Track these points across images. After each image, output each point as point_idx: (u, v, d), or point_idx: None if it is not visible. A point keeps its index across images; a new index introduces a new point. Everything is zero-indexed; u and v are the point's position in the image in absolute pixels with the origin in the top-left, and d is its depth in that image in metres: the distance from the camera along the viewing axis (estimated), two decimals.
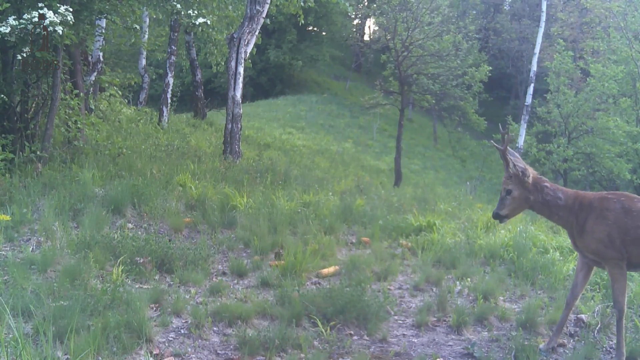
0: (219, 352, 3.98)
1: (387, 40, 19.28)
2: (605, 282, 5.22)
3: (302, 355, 3.93)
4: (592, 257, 4.06)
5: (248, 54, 10.13)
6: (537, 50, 19.64)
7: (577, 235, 4.06)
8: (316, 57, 33.13)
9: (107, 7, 8.00)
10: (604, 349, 4.34)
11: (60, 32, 6.50)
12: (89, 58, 10.60)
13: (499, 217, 4.25)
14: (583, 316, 4.73)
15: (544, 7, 19.94)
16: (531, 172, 4.20)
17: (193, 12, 10.21)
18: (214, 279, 5.15)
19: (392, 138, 24.95)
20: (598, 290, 5.14)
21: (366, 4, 30.97)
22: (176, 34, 14.52)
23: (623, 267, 3.92)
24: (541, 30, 19.65)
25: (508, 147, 4.31)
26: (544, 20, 19.88)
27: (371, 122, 27.76)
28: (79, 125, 8.12)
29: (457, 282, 5.48)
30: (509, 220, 4.44)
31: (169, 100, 14.24)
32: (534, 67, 19.39)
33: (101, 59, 11.35)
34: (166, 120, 13.87)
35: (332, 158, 17.56)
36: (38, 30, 6.48)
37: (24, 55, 6.86)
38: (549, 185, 4.20)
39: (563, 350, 4.29)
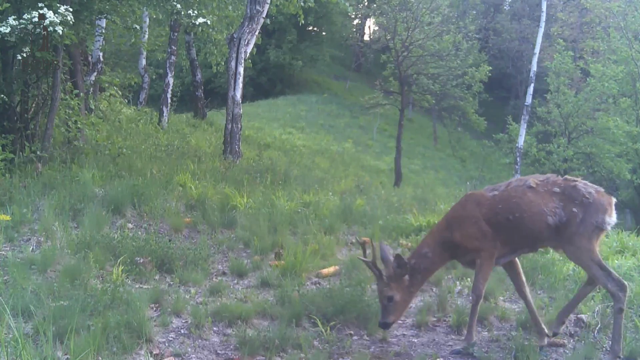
0: (219, 352, 3.98)
1: (387, 40, 19.30)
2: None
3: (302, 355, 3.93)
4: (469, 258, 4.23)
5: (248, 54, 10.13)
6: (537, 50, 19.63)
7: (461, 254, 4.24)
8: (316, 57, 33.12)
9: (107, 7, 8.01)
10: (604, 349, 4.34)
11: (60, 32, 6.50)
12: (89, 58, 10.60)
13: (387, 326, 4.18)
14: (583, 316, 4.72)
15: (544, 7, 19.94)
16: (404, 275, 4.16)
17: (193, 12, 10.20)
18: (214, 279, 5.15)
19: (392, 138, 24.95)
20: (598, 291, 5.13)
21: (366, 4, 30.98)
22: (176, 34, 14.52)
23: (493, 257, 4.14)
24: (541, 30, 19.65)
25: (381, 246, 4.32)
26: (544, 20, 19.87)
27: (371, 122, 27.75)
28: (79, 125, 8.12)
29: (457, 282, 5.47)
30: (396, 322, 4.37)
31: (169, 100, 14.24)
32: (534, 67, 19.39)
33: (101, 59, 11.35)
34: (166, 120, 13.87)
35: (332, 158, 17.56)
36: (38, 30, 6.49)
37: (24, 55, 6.87)
38: (414, 259, 4.23)
39: (563, 350, 4.29)
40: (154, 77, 19.43)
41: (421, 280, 4.28)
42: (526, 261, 5.75)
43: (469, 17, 25.46)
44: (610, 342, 4.35)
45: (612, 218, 4.06)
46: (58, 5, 6.57)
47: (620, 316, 4.03)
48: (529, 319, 4.37)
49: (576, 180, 4.16)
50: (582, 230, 4.00)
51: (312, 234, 6.17)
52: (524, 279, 4.37)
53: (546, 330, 4.27)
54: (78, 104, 8.19)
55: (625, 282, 4.06)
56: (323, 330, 4.24)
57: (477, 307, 4.17)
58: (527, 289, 4.35)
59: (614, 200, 4.13)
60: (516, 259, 4.36)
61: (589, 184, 4.18)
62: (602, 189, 4.14)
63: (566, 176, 4.25)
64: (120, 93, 12.86)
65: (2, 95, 6.89)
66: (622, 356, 4.07)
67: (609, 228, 4.10)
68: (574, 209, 4.01)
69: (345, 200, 7.75)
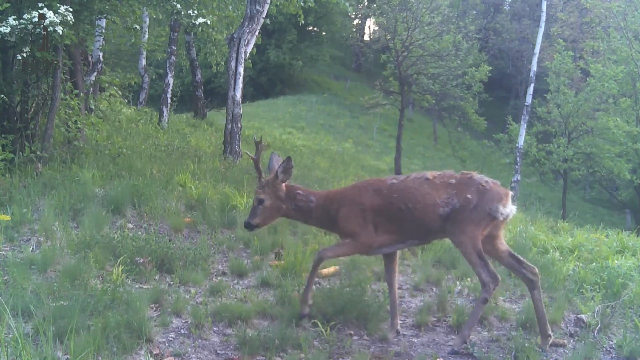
0: (219, 352, 3.98)
1: (387, 40, 19.31)
2: (605, 282, 5.22)
3: (302, 355, 3.93)
4: (344, 236, 4.29)
5: (248, 54, 10.12)
6: (537, 50, 19.63)
7: (333, 228, 4.31)
8: (316, 57, 33.15)
9: (107, 7, 8.01)
10: (604, 349, 4.34)
11: (60, 32, 6.50)
12: (89, 58, 10.60)
13: (250, 226, 4.30)
14: (583, 316, 4.73)
15: (544, 7, 19.94)
16: (285, 181, 4.28)
17: (193, 12, 10.20)
18: (214, 279, 5.15)
19: (392, 138, 24.97)
20: (598, 290, 5.13)
21: (366, 4, 31.00)
22: (176, 34, 14.51)
23: (358, 249, 4.26)
24: (541, 30, 19.65)
25: (272, 156, 4.43)
26: (544, 20, 19.87)
27: (371, 122, 27.76)
28: (79, 125, 8.12)
29: (457, 282, 5.47)
30: (260, 229, 4.53)
31: (169, 100, 14.23)
32: (534, 67, 19.40)
33: (101, 59, 11.35)
34: (166, 120, 13.86)
35: (332, 158, 17.55)
36: (38, 30, 6.48)
37: (24, 55, 6.86)
38: (301, 192, 4.34)
39: (563, 350, 4.29)
40: (154, 77, 19.44)
41: (292, 212, 4.36)
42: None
43: (469, 17, 25.47)
44: (609, 342, 4.35)
45: (507, 209, 4.11)
46: (58, 5, 6.57)
47: (482, 306, 4.15)
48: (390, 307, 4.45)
49: (472, 173, 4.24)
50: (474, 216, 4.05)
51: (312, 234, 6.17)
52: (397, 269, 4.47)
53: (397, 325, 4.39)
54: (78, 104, 8.19)
55: (499, 277, 4.13)
56: (323, 330, 4.23)
57: (316, 270, 4.31)
58: (397, 279, 4.47)
59: (511, 193, 4.22)
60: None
61: (485, 177, 4.25)
62: (498, 182, 4.23)
63: (463, 171, 4.31)
64: (120, 93, 12.86)
65: (2, 95, 6.89)
66: (468, 342, 4.15)
67: (501, 218, 4.12)
68: (469, 195, 4.06)
69: None
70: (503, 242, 4.36)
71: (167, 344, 3.98)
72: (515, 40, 34.00)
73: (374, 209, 4.15)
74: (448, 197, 4.09)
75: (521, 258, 4.31)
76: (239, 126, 9.90)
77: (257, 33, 10.12)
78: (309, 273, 4.36)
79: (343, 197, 4.31)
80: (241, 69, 9.78)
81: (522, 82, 32.72)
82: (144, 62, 16.19)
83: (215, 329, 4.26)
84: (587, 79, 20.28)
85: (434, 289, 5.33)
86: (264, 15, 10.05)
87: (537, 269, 4.29)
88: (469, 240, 4.06)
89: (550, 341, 4.24)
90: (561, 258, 5.97)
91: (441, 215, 4.09)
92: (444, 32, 19.11)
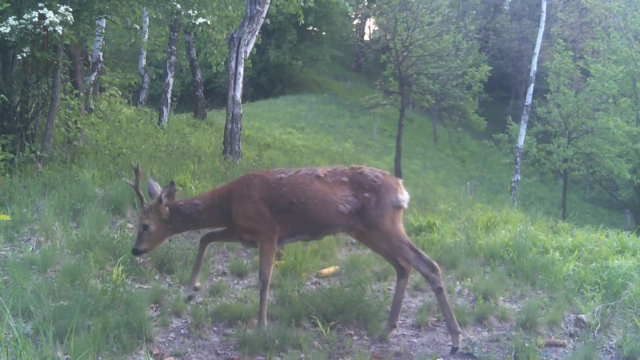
0: (219, 352, 3.98)
1: (387, 40, 19.30)
2: (605, 282, 5.23)
3: (302, 355, 3.93)
4: (248, 238, 4.21)
5: (248, 54, 10.12)
6: (537, 50, 19.63)
7: (229, 225, 4.23)
8: (316, 57, 33.13)
9: (107, 7, 8.00)
10: (604, 349, 4.34)
11: (60, 32, 6.50)
12: (89, 58, 10.60)
13: (137, 252, 4.22)
14: (583, 316, 4.73)
15: (544, 7, 19.94)
16: (169, 205, 4.21)
17: (193, 12, 10.21)
18: (214, 279, 5.15)
19: (392, 138, 24.96)
20: (598, 290, 5.13)
21: (366, 4, 30.96)
22: (176, 34, 14.51)
23: (274, 241, 4.16)
24: (541, 30, 19.65)
25: (149, 182, 4.36)
26: (544, 20, 19.87)
27: (371, 122, 27.75)
28: (79, 125, 8.12)
29: (457, 282, 5.47)
30: (148, 253, 4.44)
31: (169, 100, 14.23)
32: (534, 67, 19.40)
33: (101, 59, 11.35)
34: (166, 120, 13.86)
35: (332, 158, 17.54)
36: (38, 30, 6.48)
37: (24, 55, 6.86)
38: (183, 202, 4.29)
39: (563, 350, 4.29)
40: (154, 77, 19.43)
41: (182, 225, 4.29)
42: (526, 261, 5.76)
43: (469, 17, 25.46)
44: (609, 342, 4.36)
45: (404, 195, 4.19)
46: (58, 5, 6.57)
47: (442, 295, 4.11)
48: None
49: (362, 167, 4.26)
50: (382, 212, 4.07)
51: None
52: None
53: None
54: (78, 104, 8.19)
55: (436, 264, 4.13)
56: (323, 330, 4.23)
57: (266, 294, 4.17)
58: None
59: (400, 180, 4.29)
60: None
61: (375, 169, 4.29)
62: (387, 172, 4.28)
63: (352, 165, 4.33)
64: (120, 93, 12.86)
65: (2, 95, 6.89)
66: (460, 330, 4.14)
67: (405, 206, 4.18)
68: (366, 194, 4.09)
69: None
70: None
71: (167, 344, 3.98)
72: (515, 40, 33.99)
73: (263, 199, 4.11)
74: (346, 196, 4.10)
75: None
76: (239, 126, 9.90)
77: (257, 33, 10.12)
78: (261, 299, 4.20)
79: (231, 191, 4.24)
80: (241, 69, 9.78)
81: (522, 82, 32.71)
82: (144, 62, 16.19)
83: (215, 329, 4.27)
84: (587, 79, 20.27)
85: None
86: (264, 15, 10.05)
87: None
88: (394, 236, 4.08)
89: (392, 332, 4.33)
90: (561, 258, 5.97)
91: (342, 213, 4.09)
92: (444, 32, 19.10)
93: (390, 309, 4.42)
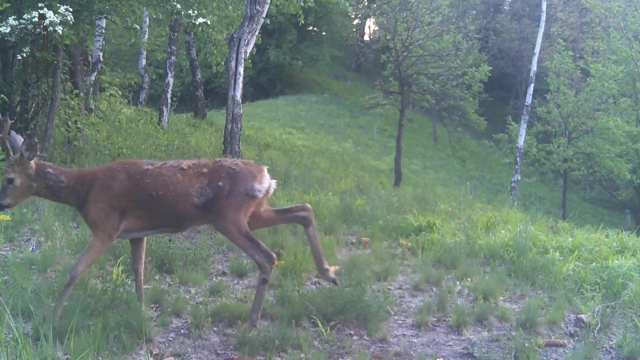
0: (219, 352, 3.98)
1: (387, 40, 19.29)
2: (605, 282, 5.23)
3: (302, 355, 3.93)
4: (89, 226, 4.13)
5: (248, 54, 10.13)
6: (537, 50, 19.64)
7: (80, 208, 4.11)
8: (316, 57, 33.14)
9: (107, 7, 8.01)
10: (604, 349, 4.34)
11: (60, 32, 6.50)
12: (89, 58, 10.61)
13: (1, 207, 4.08)
14: (583, 316, 4.72)
15: (544, 7, 19.94)
16: (31, 158, 4.02)
17: (193, 12, 10.21)
18: (214, 279, 5.15)
19: (392, 138, 24.96)
20: (598, 290, 5.13)
21: (366, 4, 31.00)
22: (176, 34, 14.52)
23: (106, 243, 4.05)
24: (541, 30, 19.65)
25: (11, 134, 4.14)
26: (544, 20, 19.88)
27: (371, 122, 27.77)
28: (79, 125, 8.13)
29: (457, 282, 5.47)
30: (12, 208, 4.31)
31: (169, 100, 14.24)
32: (534, 67, 19.40)
33: (101, 59, 11.36)
34: (166, 120, 13.87)
35: (332, 158, 17.56)
36: (38, 30, 6.49)
37: (24, 55, 6.87)
38: (51, 170, 4.11)
39: (563, 350, 4.29)
40: (154, 77, 19.46)
41: (43, 191, 4.12)
42: (526, 261, 5.76)
43: (469, 17, 25.44)
44: (609, 342, 4.35)
45: (264, 185, 4.12)
46: (58, 5, 6.57)
47: (263, 286, 4.15)
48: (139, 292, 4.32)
49: (223, 160, 4.22)
50: (231, 200, 4.03)
51: None
52: (143, 255, 4.35)
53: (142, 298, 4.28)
54: (78, 104, 8.19)
55: (274, 255, 4.12)
56: (323, 330, 4.23)
57: (69, 290, 3.96)
58: (142, 266, 4.34)
59: (265, 168, 4.21)
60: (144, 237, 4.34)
61: (238, 160, 4.25)
62: (251, 162, 4.22)
63: (217, 159, 4.28)
64: (120, 93, 12.87)
65: (2, 95, 6.90)
66: (258, 325, 4.15)
67: (260, 195, 4.12)
68: (220, 183, 4.04)
69: (345, 200, 7.75)
70: (267, 208, 4.37)
71: (167, 344, 3.98)
72: (515, 40, 33.99)
73: (123, 193, 4.00)
74: (201, 187, 4.04)
75: (287, 207, 4.39)
76: (239, 126, 9.90)
77: (257, 33, 10.12)
78: (61, 292, 3.98)
79: (95, 178, 4.10)
80: (241, 69, 9.78)
81: (522, 82, 32.73)
82: (144, 62, 16.20)
83: (215, 329, 4.27)
84: (587, 79, 20.27)
85: (434, 289, 5.33)
86: (264, 15, 10.05)
87: (308, 204, 4.39)
88: (233, 226, 4.05)
89: (330, 275, 4.35)
90: (561, 258, 5.97)
91: (196, 205, 4.03)
92: (444, 32, 19.09)
93: (314, 259, 4.37)
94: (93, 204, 4.00)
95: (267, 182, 4.16)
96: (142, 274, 4.35)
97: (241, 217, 4.07)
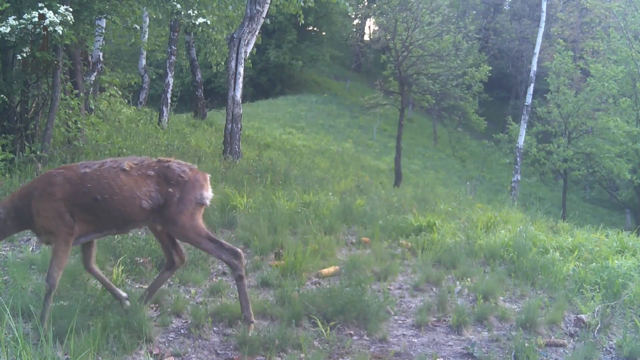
0: (219, 352, 3.98)
1: (387, 40, 19.29)
2: (605, 282, 5.23)
3: (302, 355, 3.93)
4: (46, 238, 3.99)
5: (248, 54, 10.13)
6: (537, 50, 19.64)
7: (30, 226, 3.98)
8: (316, 57, 33.13)
9: (107, 7, 8.02)
10: (604, 349, 4.34)
11: (60, 32, 6.50)
12: (89, 58, 10.61)
13: None
14: (583, 316, 4.73)
15: (544, 7, 19.94)
16: None
17: (193, 12, 10.21)
18: (214, 279, 5.15)
19: (392, 138, 24.96)
20: (598, 290, 5.13)
21: (366, 4, 31.01)
22: (176, 34, 14.52)
23: (69, 243, 3.94)
24: (541, 30, 19.65)
25: None
26: (544, 20, 19.88)
27: (371, 122, 27.76)
28: (79, 125, 8.13)
29: (457, 282, 5.47)
30: None
31: (169, 100, 14.24)
32: (534, 67, 19.40)
33: (101, 59, 11.36)
34: (166, 120, 13.87)
35: (332, 158, 17.56)
36: (38, 30, 6.49)
37: (24, 55, 6.87)
38: None
39: (563, 350, 4.29)
40: (154, 77, 19.45)
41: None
42: (526, 261, 5.76)
43: (469, 17, 25.43)
44: (609, 342, 4.35)
45: (209, 192, 4.14)
46: (58, 5, 6.57)
47: (242, 283, 4.13)
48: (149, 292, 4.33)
49: (169, 161, 4.14)
50: (183, 208, 4.00)
51: (312, 234, 6.17)
52: (95, 256, 4.27)
53: (124, 295, 4.24)
54: (78, 104, 8.20)
55: (239, 250, 4.13)
56: (323, 330, 4.23)
57: (51, 298, 3.87)
58: (96, 266, 4.28)
59: (208, 176, 4.21)
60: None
61: (183, 162, 4.18)
62: (195, 167, 4.19)
63: (159, 158, 4.20)
64: (120, 93, 12.88)
65: (2, 95, 6.90)
66: (254, 320, 4.17)
67: (208, 203, 4.13)
68: (170, 189, 4.00)
69: (345, 200, 7.75)
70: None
71: (167, 344, 3.98)
72: (515, 40, 33.98)
73: (67, 198, 3.87)
74: (150, 191, 3.98)
75: (177, 241, 4.30)
76: (239, 126, 9.91)
77: (257, 33, 10.13)
78: (44, 302, 3.87)
79: (33, 188, 3.96)
80: (241, 69, 9.78)
81: (522, 82, 32.72)
82: (144, 62, 16.20)
83: (215, 329, 4.26)
84: (587, 79, 20.28)
85: (434, 289, 5.33)
86: (264, 15, 10.06)
87: (186, 258, 4.42)
88: (191, 232, 4.04)
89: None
90: (561, 258, 5.97)
91: (145, 209, 3.98)
92: (444, 32, 19.10)
93: (147, 293, 4.31)
94: (37, 214, 3.88)
95: (210, 191, 4.16)
96: (100, 272, 4.27)
97: (197, 222, 4.06)
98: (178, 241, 4.29)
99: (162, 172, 4.03)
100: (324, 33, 34.84)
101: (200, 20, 10.55)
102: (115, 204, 3.91)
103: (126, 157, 4.25)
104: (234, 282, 5.18)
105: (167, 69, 14.44)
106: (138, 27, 11.12)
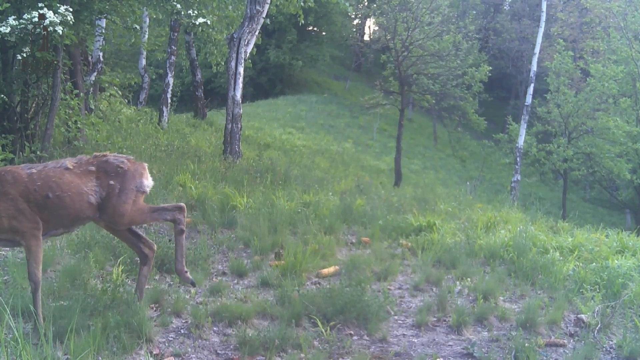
0: (219, 352, 3.98)
1: (387, 40, 19.29)
2: (605, 282, 5.23)
3: (302, 355, 3.93)
4: (9, 237, 3.94)
5: (248, 54, 10.13)
6: (537, 50, 19.63)
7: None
8: (316, 57, 33.11)
9: (107, 7, 8.01)
10: (604, 349, 4.34)
11: (60, 32, 6.50)
12: (89, 58, 10.60)
13: None
14: (583, 316, 4.73)
15: (544, 7, 19.93)
16: None
17: (193, 12, 10.21)
18: (214, 279, 5.15)
19: (392, 138, 24.96)
20: (598, 290, 5.13)
21: (366, 4, 30.97)
22: (176, 34, 14.52)
23: (39, 237, 3.94)
24: (541, 30, 19.64)
25: None
26: (544, 20, 19.87)
27: (371, 122, 27.75)
28: (79, 125, 8.13)
29: (457, 282, 5.47)
30: None
31: (169, 100, 14.24)
32: (534, 67, 19.39)
33: (101, 59, 11.35)
34: (166, 120, 13.87)
35: (332, 158, 17.55)
36: (38, 30, 6.48)
37: (24, 55, 6.86)
38: None
39: (563, 350, 4.29)
40: (154, 77, 19.43)
41: None
42: (526, 261, 5.76)
43: (469, 17, 25.41)
44: (609, 342, 4.35)
45: (149, 181, 4.24)
46: (58, 5, 6.56)
47: (181, 237, 4.26)
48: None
49: (106, 155, 4.20)
50: (125, 198, 4.08)
51: (312, 234, 6.17)
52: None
53: None
54: (78, 104, 8.19)
55: (182, 204, 4.27)
56: (323, 330, 4.24)
57: (39, 295, 3.86)
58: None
59: (146, 165, 4.29)
60: None
61: (120, 155, 4.25)
62: (132, 157, 4.27)
63: (95, 153, 4.25)
64: (120, 93, 12.87)
65: (2, 95, 6.89)
66: (187, 270, 4.28)
67: (148, 190, 4.22)
68: (111, 182, 4.07)
69: (345, 200, 7.75)
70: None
71: (167, 344, 3.98)
72: (515, 40, 33.97)
73: (20, 195, 3.86)
74: (94, 186, 4.05)
75: (140, 233, 4.38)
76: (239, 126, 9.91)
77: (257, 33, 10.13)
78: (34, 300, 3.86)
79: None
80: (241, 69, 9.78)
81: (522, 82, 32.69)
82: (144, 62, 16.19)
83: (215, 329, 4.27)
84: (587, 79, 20.27)
85: (434, 289, 5.33)
86: (264, 15, 10.06)
87: (155, 246, 4.42)
88: (136, 215, 4.12)
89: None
90: (561, 258, 5.97)
91: (92, 204, 4.03)
92: (444, 32, 19.09)
93: (137, 294, 4.31)
94: (3, 216, 3.83)
95: (150, 179, 4.25)
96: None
97: (139, 205, 4.14)
98: (141, 233, 4.39)
99: (101, 167, 4.11)
100: (324, 33, 34.82)
101: (200, 20, 10.55)
102: (66, 202, 3.96)
103: (67, 158, 4.26)
104: (234, 282, 5.18)
105: (167, 69, 14.43)
106: (138, 27, 11.11)
